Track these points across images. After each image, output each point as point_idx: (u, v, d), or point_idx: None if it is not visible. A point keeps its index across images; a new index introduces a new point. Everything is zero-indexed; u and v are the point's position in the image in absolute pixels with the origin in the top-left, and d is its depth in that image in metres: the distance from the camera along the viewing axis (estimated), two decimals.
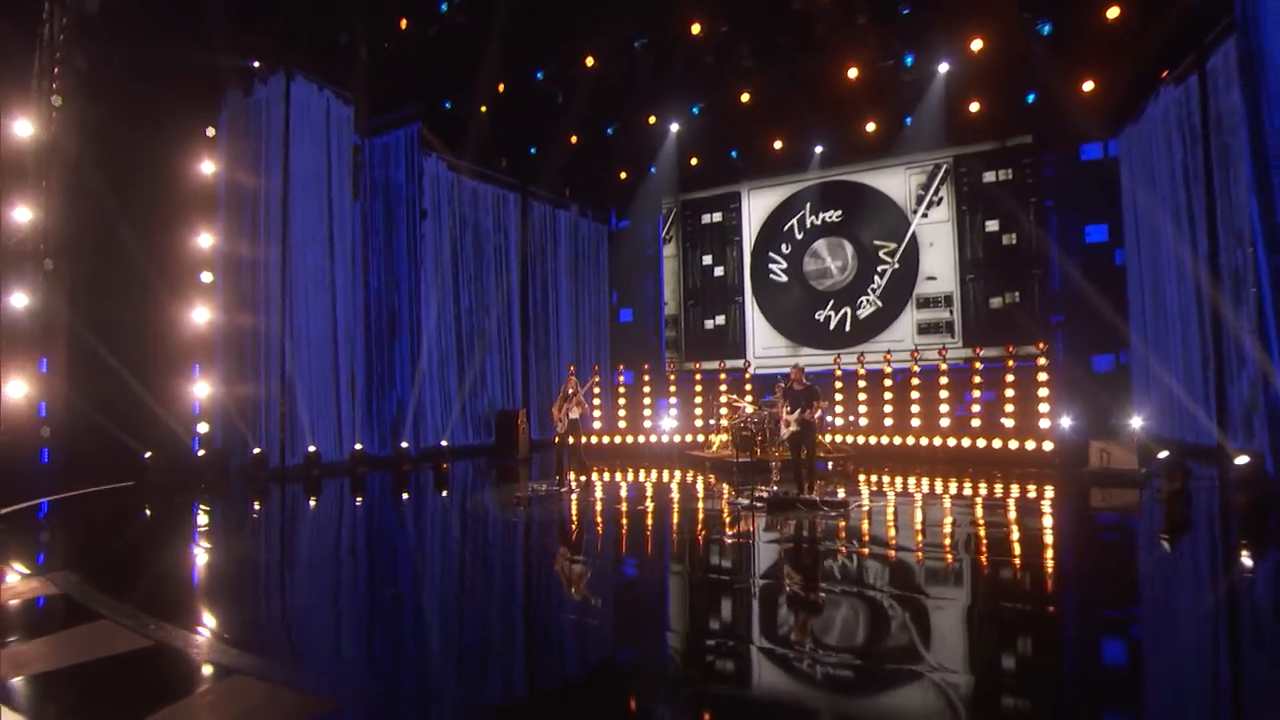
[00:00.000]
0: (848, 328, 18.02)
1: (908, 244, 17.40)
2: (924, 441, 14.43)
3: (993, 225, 16.52)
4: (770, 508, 9.55)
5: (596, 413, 17.84)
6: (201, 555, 7.86)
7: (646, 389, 17.73)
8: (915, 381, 15.20)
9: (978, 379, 14.46)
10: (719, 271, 20.02)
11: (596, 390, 17.45)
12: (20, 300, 11.67)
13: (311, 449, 13.44)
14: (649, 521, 9.42)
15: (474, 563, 7.52)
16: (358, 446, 14.06)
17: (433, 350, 16.37)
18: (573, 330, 20.23)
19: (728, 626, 5.35)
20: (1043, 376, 13.75)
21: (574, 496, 10.89)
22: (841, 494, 10.09)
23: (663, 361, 19.67)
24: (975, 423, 14.17)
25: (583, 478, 11.70)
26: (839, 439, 15.14)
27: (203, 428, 13.06)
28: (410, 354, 15.54)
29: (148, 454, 12.08)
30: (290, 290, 13.60)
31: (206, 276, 13.34)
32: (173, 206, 13.20)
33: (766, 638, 5.05)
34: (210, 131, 13.40)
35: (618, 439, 16.94)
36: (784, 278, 18.97)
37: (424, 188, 16.14)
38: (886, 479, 12.34)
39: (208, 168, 13.38)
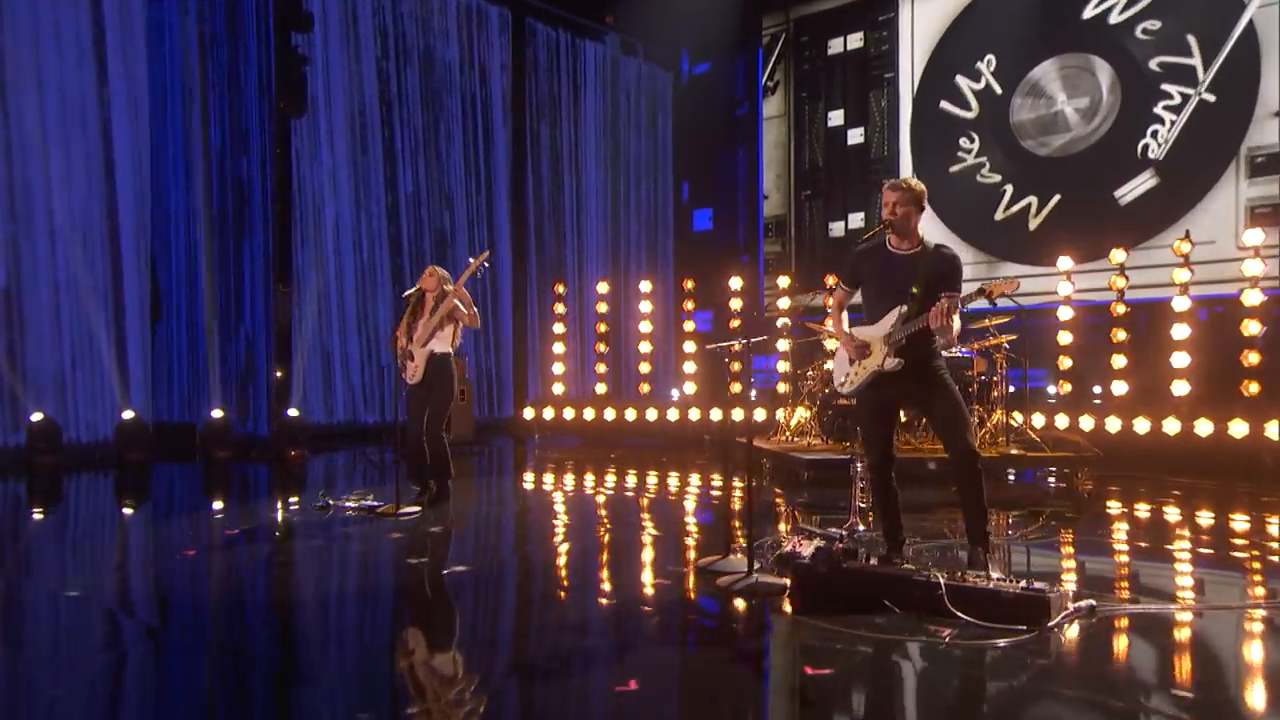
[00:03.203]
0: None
1: (1234, 50, 10.84)
2: (1274, 433, 7.76)
3: None
4: (805, 599, 3.90)
5: (600, 365, 12.60)
6: None
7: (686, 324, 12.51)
8: (1253, 299, 8.42)
9: None
10: (856, 137, 14.26)
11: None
12: None
13: (37, 417, 9.14)
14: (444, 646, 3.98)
15: None
16: (126, 415, 9.59)
17: (344, 257, 11.93)
18: (607, 241, 14.98)
19: None
20: None
21: (414, 528, 5.93)
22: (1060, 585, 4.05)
23: (759, 291, 14.17)
24: None
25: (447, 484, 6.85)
26: (1057, 421, 9.04)
27: None
28: (266, 261, 10.95)
29: None
30: (13, 130, 9.36)
31: None
32: None
33: None
34: None
35: (651, 414, 11.89)
36: (975, 140, 12.93)
37: None
38: (1180, 523, 6.04)
39: None
